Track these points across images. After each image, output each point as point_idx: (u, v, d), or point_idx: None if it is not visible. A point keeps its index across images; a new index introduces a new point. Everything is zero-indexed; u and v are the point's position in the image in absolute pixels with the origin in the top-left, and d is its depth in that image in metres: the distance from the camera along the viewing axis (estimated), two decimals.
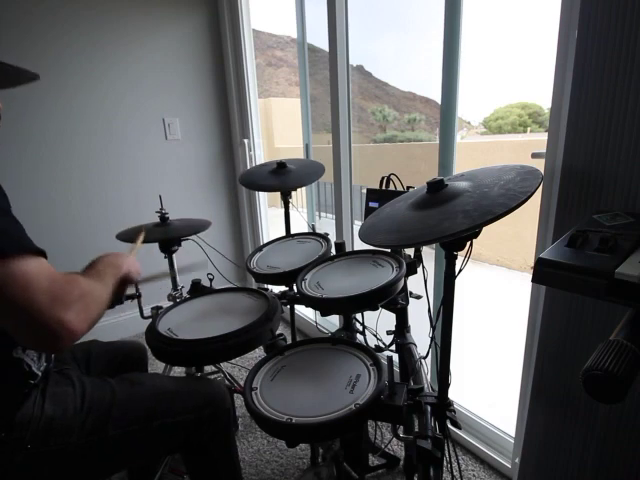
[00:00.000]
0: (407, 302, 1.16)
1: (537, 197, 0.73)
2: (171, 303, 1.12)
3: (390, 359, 0.73)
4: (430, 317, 1.11)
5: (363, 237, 0.80)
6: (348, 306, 0.87)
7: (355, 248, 1.87)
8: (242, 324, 0.89)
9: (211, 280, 1.27)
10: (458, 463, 1.35)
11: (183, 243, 1.47)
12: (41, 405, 0.75)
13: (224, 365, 1.83)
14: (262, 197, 2.59)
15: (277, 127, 8.99)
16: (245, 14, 2.26)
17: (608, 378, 0.43)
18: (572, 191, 0.88)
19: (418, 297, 1.17)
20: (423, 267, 1.13)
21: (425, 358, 1.08)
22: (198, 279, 1.23)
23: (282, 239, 1.35)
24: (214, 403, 0.92)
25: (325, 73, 1.74)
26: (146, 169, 2.26)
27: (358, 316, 1.27)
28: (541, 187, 0.77)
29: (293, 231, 1.50)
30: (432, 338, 1.05)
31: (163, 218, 1.44)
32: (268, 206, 2.66)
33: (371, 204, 1.24)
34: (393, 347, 1.19)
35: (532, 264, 0.64)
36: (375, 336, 1.24)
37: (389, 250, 1.02)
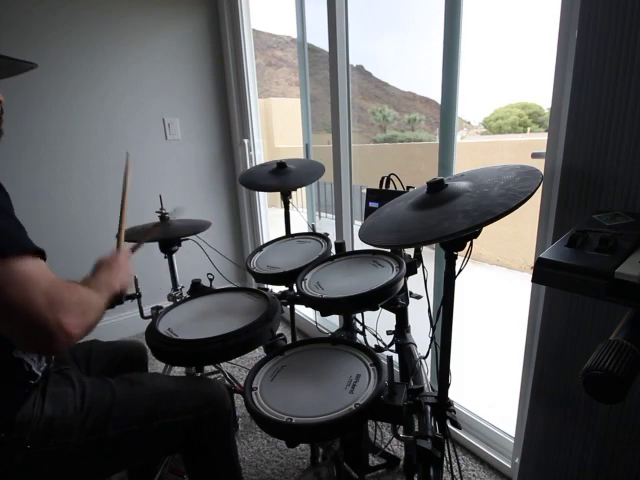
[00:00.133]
0: (407, 302, 1.16)
1: (537, 197, 0.73)
2: (171, 303, 1.12)
3: (390, 359, 0.73)
4: (430, 317, 1.11)
5: (363, 237, 0.80)
6: (348, 306, 0.87)
7: (355, 248, 1.87)
8: (242, 324, 0.89)
9: (211, 280, 1.27)
10: (458, 463, 1.35)
11: (183, 243, 1.47)
12: (41, 405, 0.75)
13: (224, 365, 1.83)
14: (262, 197, 2.58)
15: (277, 127, 8.99)
16: (245, 14, 2.26)
17: (608, 378, 0.43)
18: (572, 191, 0.88)
19: (418, 297, 1.17)
20: (423, 267, 1.13)
21: (425, 358, 1.08)
22: (198, 279, 1.23)
23: (282, 239, 1.35)
24: (214, 403, 0.92)
25: (325, 73, 1.74)
26: (146, 169, 2.26)
27: (358, 316, 1.27)
28: (541, 187, 0.77)
29: (293, 231, 1.50)
30: (432, 338, 1.05)
31: (163, 218, 1.44)
32: (268, 206, 2.66)
33: (371, 204, 1.24)
34: (393, 347, 1.19)
35: (532, 264, 0.64)
36: (375, 336, 1.24)
37: (389, 250, 1.02)
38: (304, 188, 2.24)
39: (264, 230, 2.63)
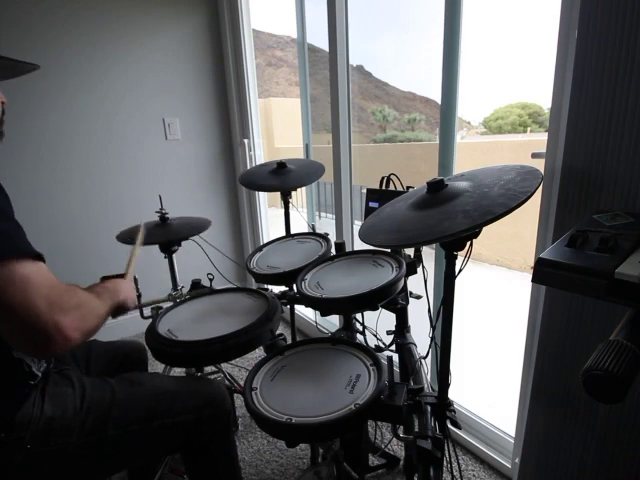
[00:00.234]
0: (407, 302, 1.16)
1: (537, 197, 0.73)
2: (171, 303, 1.12)
3: (390, 359, 0.73)
4: (430, 317, 1.11)
5: (363, 237, 0.80)
6: (348, 306, 0.87)
7: (355, 248, 1.87)
8: (242, 324, 0.89)
9: (211, 280, 1.27)
10: (458, 463, 1.35)
11: (183, 243, 1.47)
12: (41, 405, 0.75)
13: (224, 365, 1.83)
14: (262, 197, 2.59)
15: (277, 127, 8.99)
16: (245, 14, 2.26)
17: (608, 378, 0.43)
18: (572, 191, 0.88)
19: (418, 297, 1.17)
20: (423, 267, 1.13)
21: (425, 358, 1.08)
22: (198, 279, 1.23)
23: (282, 239, 1.35)
24: (214, 403, 0.92)
25: (325, 73, 1.74)
26: (146, 169, 2.27)
27: (358, 316, 1.27)
28: (541, 187, 0.77)
29: (293, 231, 1.50)
30: (432, 338, 1.05)
31: (163, 218, 1.44)
32: (268, 206, 2.66)
33: (371, 204, 1.24)
34: (393, 347, 1.19)
35: (532, 264, 0.64)
36: (375, 336, 1.24)
37: (389, 250, 1.02)
38: (304, 188, 2.24)
39: (264, 230, 2.63)
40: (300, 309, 2.31)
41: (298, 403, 0.70)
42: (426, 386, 0.96)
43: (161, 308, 1.11)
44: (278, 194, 1.51)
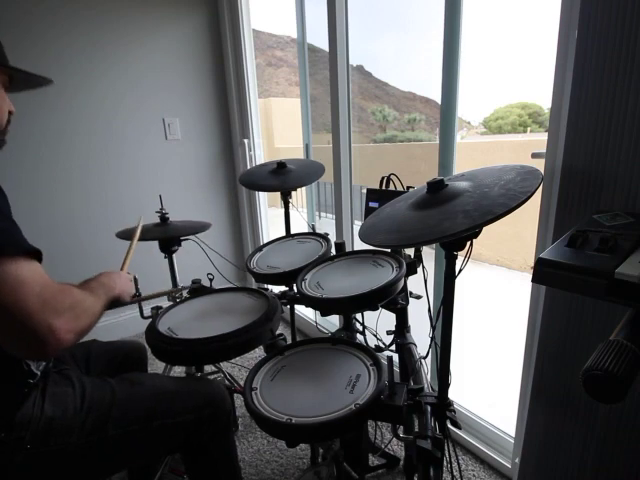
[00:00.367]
0: (407, 302, 1.16)
1: (537, 197, 0.73)
2: (171, 303, 1.12)
3: (390, 359, 0.73)
4: (430, 317, 1.11)
5: (363, 237, 0.80)
6: (348, 306, 0.87)
7: (355, 248, 1.87)
8: (242, 324, 0.89)
9: (211, 280, 1.27)
10: (458, 463, 1.35)
11: (183, 243, 1.47)
12: (41, 405, 0.75)
13: (224, 365, 1.83)
14: (262, 197, 2.59)
15: (277, 127, 8.99)
16: (245, 14, 2.26)
17: (608, 378, 0.43)
18: (572, 191, 0.88)
19: (418, 297, 1.17)
20: (423, 267, 1.13)
21: (425, 358, 1.08)
22: (198, 279, 1.24)
23: (282, 239, 1.35)
24: (214, 403, 0.92)
25: (325, 73, 1.74)
26: (146, 169, 2.27)
27: (358, 316, 1.27)
28: (541, 187, 0.77)
29: (293, 231, 1.50)
30: (432, 338, 1.05)
31: (163, 218, 1.44)
32: (268, 206, 2.66)
33: (371, 204, 1.24)
34: (393, 347, 1.19)
35: (532, 264, 0.64)
36: (375, 336, 1.24)
37: (389, 250, 1.02)
38: (304, 188, 2.24)
39: (264, 230, 2.63)
40: (300, 309, 2.31)
41: (298, 403, 0.70)
42: (426, 386, 0.96)
43: (161, 307, 1.12)
44: (278, 194, 1.51)
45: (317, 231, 1.34)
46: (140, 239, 1.20)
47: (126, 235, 1.31)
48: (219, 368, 1.71)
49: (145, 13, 2.12)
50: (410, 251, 1.13)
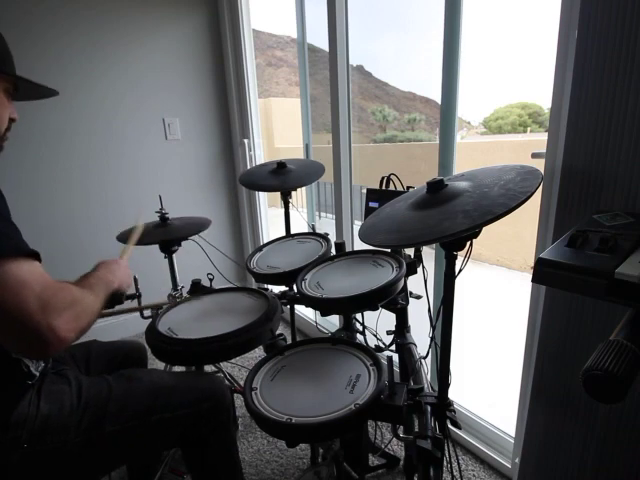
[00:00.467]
0: (407, 302, 1.16)
1: (537, 197, 0.73)
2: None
3: (390, 359, 0.73)
4: (430, 317, 1.11)
5: (363, 237, 0.80)
6: (348, 306, 0.87)
7: (355, 248, 1.87)
8: (242, 324, 0.89)
9: (211, 280, 1.27)
10: (458, 463, 1.35)
11: (183, 243, 1.47)
12: (37, 404, 0.75)
13: (224, 365, 1.83)
14: (262, 197, 2.59)
15: (277, 127, 8.99)
16: (245, 14, 2.26)
17: (608, 378, 0.43)
18: (572, 191, 0.88)
19: (418, 297, 1.17)
20: (423, 267, 1.13)
21: (425, 358, 1.08)
22: (198, 279, 1.23)
23: (282, 239, 1.35)
24: (214, 398, 0.92)
25: (325, 73, 1.74)
26: (146, 169, 2.26)
27: (358, 316, 1.27)
28: (541, 187, 0.77)
29: (293, 231, 1.50)
30: (432, 338, 1.05)
31: (163, 218, 1.44)
32: (268, 206, 2.66)
33: (371, 204, 1.24)
34: (393, 347, 1.19)
35: (532, 264, 0.64)
36: (375, 336, 1.24)
37: (389, 250, 1.02)
38: (304, 188, 2.24)
39: (264, 230, 2.63)
40: (300, 309, 2.31)
41: (298, 403, 0.70)
42: (426, 386, 0.96)
43: (161, 308, 1.12)
44: (278, 194, 1.51)
45: (317, 231, 1.34)
46: (140, 243, 1.19)
47: (126, 238, 1.30)
48: (219, 368, 1.71)
49: (145, 13, 2.12)
50: (410, 251, 1.13)
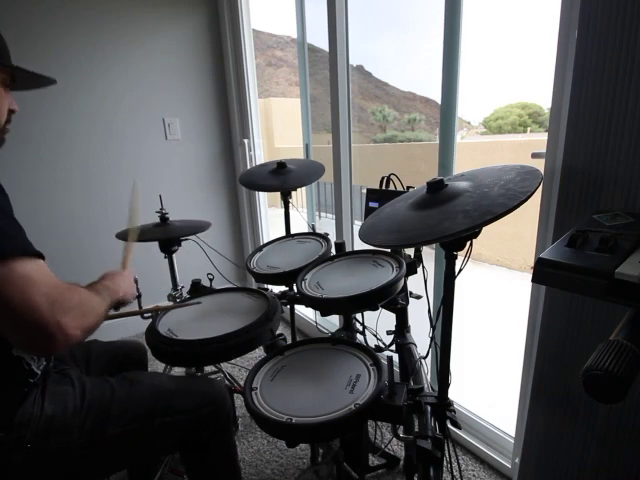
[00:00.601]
0: (407, 302, 1.16)
1: (537, 197, 0.73)
2: (171, 303, 1.11)
3: (390, 359, 0.73)
4: (430, 317, 1.11)
5: (363, 237, 0.80)
6: (348, 306, 0.87)
7: (355, 248, 1.87)
8: (242, 324, 0.89)
9: (211, 280, 1.27)
10: (458, 463, 1.35)
11: (183, 243, 1.47)
12: (41, 404, 0.75)
13: (224, 365, 1.83)
14: (262, 197, 2.59)
15: (277, 127, 8.99)
16: (245, 14, 2.26)
17: (608, 378, 0.43)
18: (572, 191, 0.88)
19: (418, 297, 1.17)
20: (423, 267, 1.13)
21: (425, 358, 1.08)
22: (198, 279, 1.24)
23: (282, 239, 1.35)
24: (214, 402, 0.92)
25: (325, 73, 1.74)
26: (146, 169, 2.26)
27: (358, 316, 1.27)
28: (541, 187, 0.77)
29: (293, 231, 1.50)
30: (432, 338, 1.05)
31: (163, 218, 1.44)
32: (268, 206, 2.66)
33: (371, 204, 1.24)
34: (393, 347, 1.19)
35: (532, 264, 0.64)
36: (375, 336, 1.24)
37: (389, 250, 1.02)
38: (304, 188, 2.24)
39: (264, 230, 2.63)
40: (300, 309, 2.31)
41: (298, 403, 0.70)
42: (426, 386, 0.96)
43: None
44: (278, 194, 1.51)
45: (317, 231, 1.34)
46: (140, 240, 1.20)
47: (126, 235, 1.30)
48: (219, 368, 1.71)
49: (145, 13, 2.12)
50: (410, 251, 1.13)
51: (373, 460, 1.37)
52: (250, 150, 2.44)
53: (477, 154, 4.28)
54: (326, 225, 4.50)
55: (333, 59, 1.66)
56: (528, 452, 1.10)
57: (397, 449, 1.44)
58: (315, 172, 1.49)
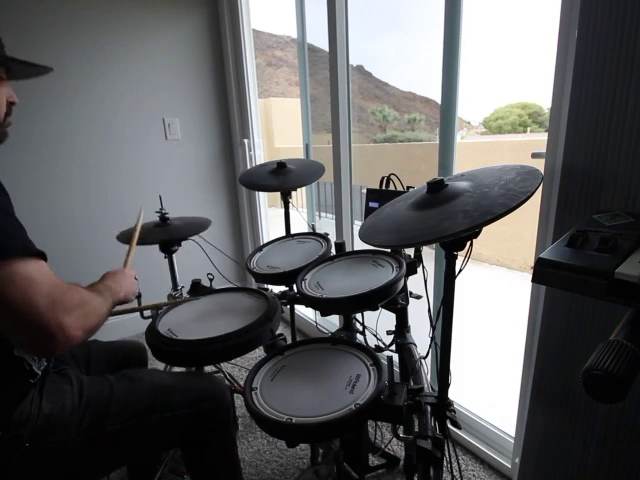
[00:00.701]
0: (407, 302, 1.16)
1: (537, 197, 0.73)
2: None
3: (390, 359, 0.73)
4: (430, 317, 1.11)
5: (363, 237, 0.80)
6: (348, 306, 0.87)
7: (355, 248, 1.87)
8: (242, 324, 0.89)
9: (211, 280, 1.27)
10: (458, 463, 1.35)
11: (183, 243, 1.47)
12: (38, 403, 0.75)
13: (224, 365, 1.83)
14: (262, 197, 2.59)
15: (277, 127, 8.99)
16: (245, 14, 2.26)
17: (608, 378, 0.43)
18: (572, 191, 0.88)
19: (418, 297, 1.17)
20: (423, 267, 1.13)
21: (425, 358, 1.08)
22: (198, 279, 1.23)
23: (282, 239, 1.35)
24: (214, 398, 0.92)
25: (325, 73, 1.74)
26: (146, 169, 2.26)
27: (358, 316, 1.27)
28: (541, 187, 0.77)
29: (293, 231, 1.50)
30: (432, 338, 1.05)
31: (163, 218, 1.44)
32: (268, 206, 2.66)
33: (371, 204, 1.24)
34: (393, 347, 1.19)
35: (532, 264, 0.64)
36: (375, 336, 1.24)
37: (389, 250, 1.02)
38: (304, 188, 2.24)
39: (264, 230, 2.63)
40: (300, 309, 2.31)
41: (298, 403, 0.70)
42: (426, 386, 0.96)
43: (161, 308, 1.11)
44: (278, 194, 1.51)
45: (317, 231, 1.34)
46: (140, 242, 1.20)
47: (126, 237, 1.30)
48: (219, 368, 1.72)
49: (145, 13, 2.12)
50: (410, 251, 1.13)
51: (373, 460, 1.37)
52: (250, 150, 2.44)
53: (477, 154, 4.28)
54: (326, 225, 4.51)
55: (333, 59, 1.66)
56: (528, 452, 1.10)
57: (397, 449, 1.44)
58: (315, 172, 1.49)
